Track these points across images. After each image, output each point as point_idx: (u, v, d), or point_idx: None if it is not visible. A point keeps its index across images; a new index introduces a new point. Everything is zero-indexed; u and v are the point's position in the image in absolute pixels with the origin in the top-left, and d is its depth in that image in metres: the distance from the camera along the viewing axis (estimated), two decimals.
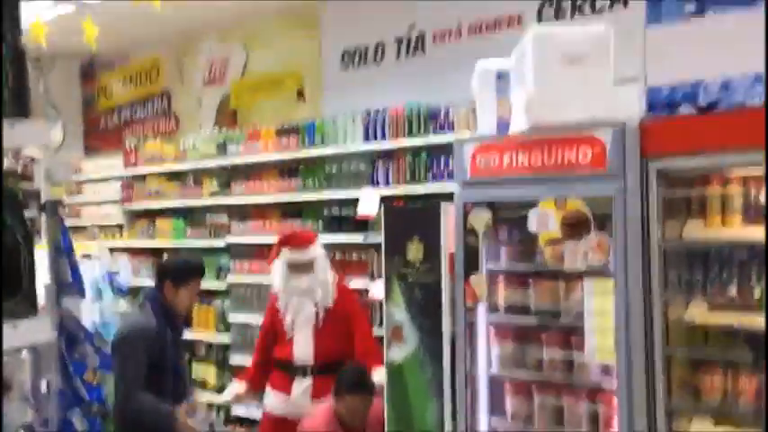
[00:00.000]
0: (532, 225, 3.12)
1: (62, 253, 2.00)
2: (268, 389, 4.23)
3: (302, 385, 4.11)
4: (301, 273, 4.09)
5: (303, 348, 4.10)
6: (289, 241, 4.16)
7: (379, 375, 3.75)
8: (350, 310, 4.18)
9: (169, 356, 3.43)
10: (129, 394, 3.15)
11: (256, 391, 4.28)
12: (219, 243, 5.74)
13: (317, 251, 4.16)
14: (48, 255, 1.96)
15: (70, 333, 2.04)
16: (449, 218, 3.42)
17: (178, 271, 3.54)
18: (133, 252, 6.51)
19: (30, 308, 1.61)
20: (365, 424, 3.72)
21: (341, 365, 3.98)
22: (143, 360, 3.27)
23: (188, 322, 4.01)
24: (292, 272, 4.12)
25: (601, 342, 2.96)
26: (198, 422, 3.47)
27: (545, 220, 3.07)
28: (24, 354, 1.73)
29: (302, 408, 4.05)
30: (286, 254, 4.15)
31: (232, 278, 5.60)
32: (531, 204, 3.12)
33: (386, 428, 3.61)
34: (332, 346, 4.08)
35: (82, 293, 2.10)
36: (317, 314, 4.08)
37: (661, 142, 2.84)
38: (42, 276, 1.88)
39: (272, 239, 5.24)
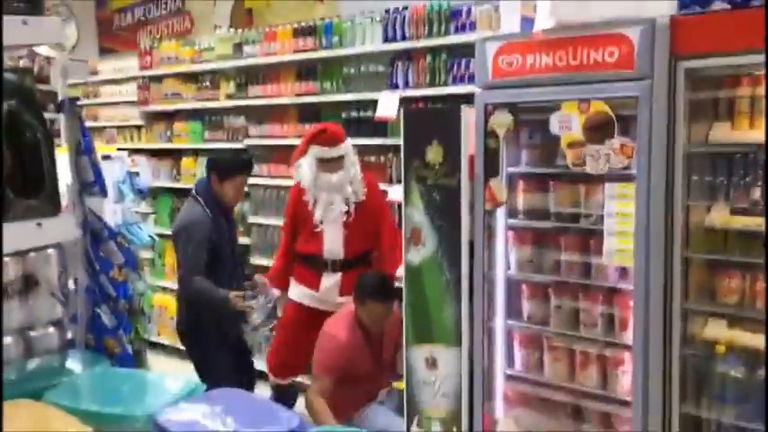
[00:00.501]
0: (555, 127, 3.08)
1: (83, 152, 1.99)
2: (293, 283, 4.30)
3: (330, 280, 4.18)
4: (331, 168, 4.09)
5: (333, 243, 4.15)
6: (319, 137, 4.14)
7: (400, 273, 3.81)
8: (377, 205, 4.21)
9: (225, 243, 3.78)
10: (189, 278, 3.54)
11: (285, 289, 4.35)
12: (238, 145, 5.73)
13: (347, 147, 4.15)
14: (68, 155, 1.95)
15: (94, 231, 2.06)
16: (469, 120, 3.38)
17: (223, 165, 3.84)
18: (152, 154, 6.54)
19: (53, 206, 1.63)
20: (380, 328, 3.81)
21: (367, 260, 4.07)
22: (202, 246, 3.66)
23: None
24: (322, 168, 4.11)
25: (620, 245, 2.97)
26: (257, 306, 3.66)
27: (567, 123, 3.03)
28: (51, 251, 1.75)
29: (329, 302, 4.15)
30: (315, 150, 4.14)
31: (251, 180, 5.61)
32: (554, 107, 3.07)
33: (404, 330, 3.69)
34: (361, 241, 4.15)
35: (104, 193, 2.12)
36: (347, 210, 4.10)
37: (692, 41, 2.73)
38: (64, 176, 1.89)
39: (291, 142, 5.27)
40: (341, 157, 4.10)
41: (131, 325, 2.24)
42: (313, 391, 3.70)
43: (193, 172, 6.13)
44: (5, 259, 1.64)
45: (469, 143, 3.40)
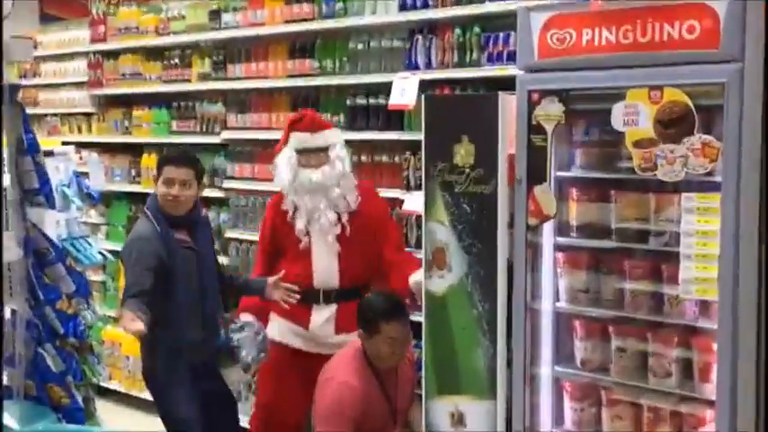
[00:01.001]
0: (618, 122, 3.09)
1: (25, 152, 2.01)
2: (274, 318, 4.25)
3: (323, 314, 4.15)
4: (313, 163, 4.11)
5: (325, 265, 4.12)
6: (299, 122, 4.20)
7: (417, 276, 3.85)
8: (377, 215, 4.21)
9: (180, 264, 3.82)
10: (122, 302, 3.64)
11: (263, 324, 4.32)
12: (213, 140, 5.77)
13: (333, 136, 4.18)
14: (7, 155, 1.97)
15: (38, 252, 2.08)
16: (508, 111, 3.40)
17: (161, 161, 3.97)
18: (105, 149, 6.59)
19: None
20: (401, 361, 3.81)
21: (367, 288, 4.05)
22: (142, 265, 3.69)
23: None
24: (303, 162, 4.13)
25: (700, 272, 2.97)
26: (244, 340, 3.91)
27: (634, 116, 3.04)
28: None
29: (323, 342, 4.14)
30: (294, 138, 4.16)
31: (230, 184, 5.67)
32: (617, 95, 3.08)
33: (423, 375, 3.70)
34: (361, 263, 4.13)
35: (51, 203, 2.13)
36: (339, 220, 4.09)
37: None
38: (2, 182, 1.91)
39: (280, 135, 5.30)
40: (325, 149, 4.13)
41: (81, 369, 2.25)
42: None
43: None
44: None
45: (508, 140, 3.41)
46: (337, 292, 4.13)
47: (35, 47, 7.27)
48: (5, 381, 1.94)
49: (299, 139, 4.16)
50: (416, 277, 3.87)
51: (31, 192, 2.02)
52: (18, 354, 2.00)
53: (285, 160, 4.17)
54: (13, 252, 1.75)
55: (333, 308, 4.14)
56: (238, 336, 3.92)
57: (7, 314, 1.93)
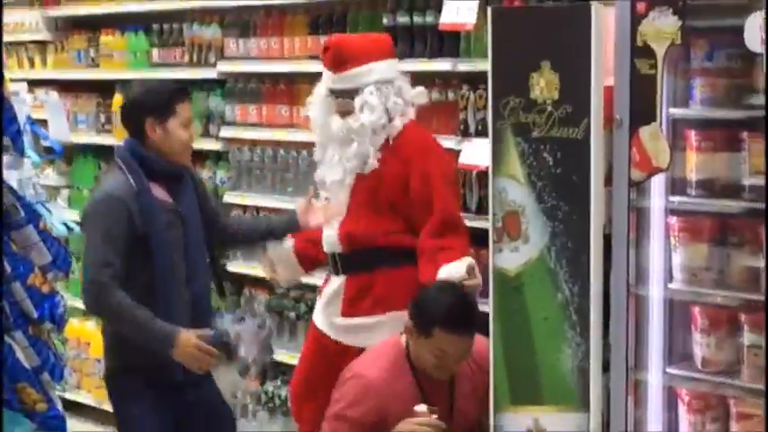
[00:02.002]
0: (754, 40, 3.08)
1: None
2: None
3: (333, 286, 4.32)
4: (339, 110, 4.19)
5: (330, 227, 4.28)
6: (324, 53, 4.25)
7: (452, 270, 3.87)
8: (418, 153, 4.18)
9: (166, 229, 3.85)
10: (98, 291, 3.59)
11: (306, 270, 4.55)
12: (208, 73, 5.79)
13: (367, 75, 4.18)
14: None
15: (3, 210, 2.10)
16: (605, 29, 3.39)
17: (159, 96, 3.97)
18: (66, 88, 6.63)
19: None
20: (446, 376, 3.82)
21: (392, 259, 4.14)
22: (113, 236, 3.69)
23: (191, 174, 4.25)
24: (335, 105, 4.22)
25: None
26: (245, 333, 3.87)
27: None
28: None
29: (331, 320, 4.27)
30: (325, 75, 4.26)
31: (229, 132, 5.68)
32: (752, 4, 3.06)
33: (491, 380, 3.71)
34: (364, 227, 4.20)
35: (18, 147, 2.15)
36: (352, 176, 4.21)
37: None
38: None
39: (296, 67, 5.31)
40: (352, 93, 4.16)
41: (61, 365, 2.28)
42: None
43: None
44: None
45: (605, 68, 3.40)
46: (340, 258, 4.28)
47: None
48: None
49: (326, 76, 4.25)
50: (448, 271, 3.88)
51: None
52: None
53: (318, 98, 4.30)
54: None
55: (341, 279, 4.27)
56: (237, 328, 3.91)
57: None
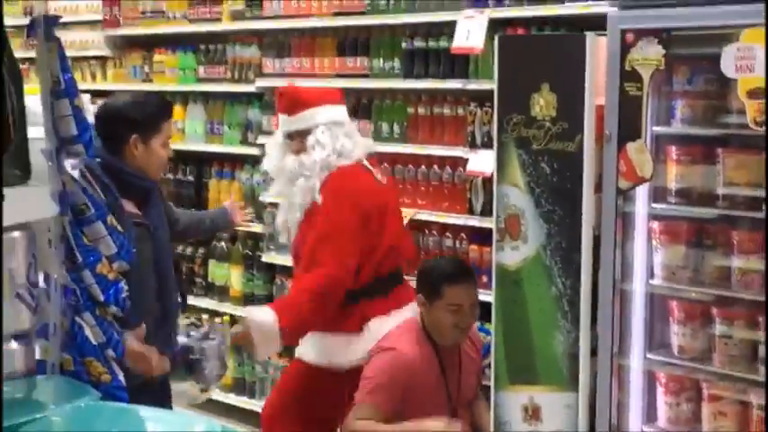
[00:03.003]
0: (729, 68, 3.08)
1: (62, 95, 2.04)
2: None
3: None
4: (294, 149, 4.10)
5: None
6: (279, 101, 4.22)
7: (258, 316, 3.79)
8: (323, 198, 4.00)
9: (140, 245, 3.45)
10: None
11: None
12: (247, 88, 5.81)
13: (316, 117, 4.13)
14: (42, 97, 2.01)
15: (76, 208, 2.12)
16: (597, 55, 3.39)
17: (145, 114, 3.59)
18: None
19: (20, 170, 1.68)
20: (464, 336, 3.81)
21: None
22: None
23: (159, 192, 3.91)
24: (290, 146, 4.13)
25: None
26: (209, 350, 3.67)
27: (749, 60, 3.01)
28: (16, 235, 1.81)
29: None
30: (280, 119, 4.22)
31: (265, 140, 5.68)
32: (729, 35, 3.06)
33: (492, 363, 3.72)
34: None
35: (89, 153, 2.18)
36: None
37: None
38: (36, 129, 1.95)
39: (325, 83, 5.32)
40: (305, 132, 4.06)
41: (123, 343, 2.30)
42: (349, 426, 3.74)
43: (181, 126, 6.24)
44: None
45: (596, 90, 3.40)
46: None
47: None
48: (38, 354, 1.99)
49: (281, 120, 4.20)
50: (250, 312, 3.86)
51: (69, 139, 2.05)
52: (53, 324, 2.04)
53: (274, 146, 4.23)
54: (48, 208, 1.78)
55: None
56: (203, 344, 3.69)
57: (41, 280, 1.98)
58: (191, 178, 6.16)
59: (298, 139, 4.07)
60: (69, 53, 7.10)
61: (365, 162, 4.08)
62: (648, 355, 3.48)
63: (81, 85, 6.85)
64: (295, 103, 4.12)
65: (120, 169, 3.48)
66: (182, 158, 6.15)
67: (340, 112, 4.18)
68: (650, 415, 3.50)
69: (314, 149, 4.00)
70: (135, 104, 3.65)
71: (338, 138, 4.04)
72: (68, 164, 2.12)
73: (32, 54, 2.35)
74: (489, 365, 3.89)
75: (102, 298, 2.21)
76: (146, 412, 1.99)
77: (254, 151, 5.79)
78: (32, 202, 1.74)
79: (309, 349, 4.01)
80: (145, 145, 3.56)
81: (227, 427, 1.86)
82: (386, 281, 4.02)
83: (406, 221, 4.79)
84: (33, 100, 1.99)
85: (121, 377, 2.23)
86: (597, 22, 3.49)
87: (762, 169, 3.18)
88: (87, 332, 2.15)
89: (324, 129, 4.05)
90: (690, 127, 3.38)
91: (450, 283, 3.68)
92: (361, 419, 3.62)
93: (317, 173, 3.96)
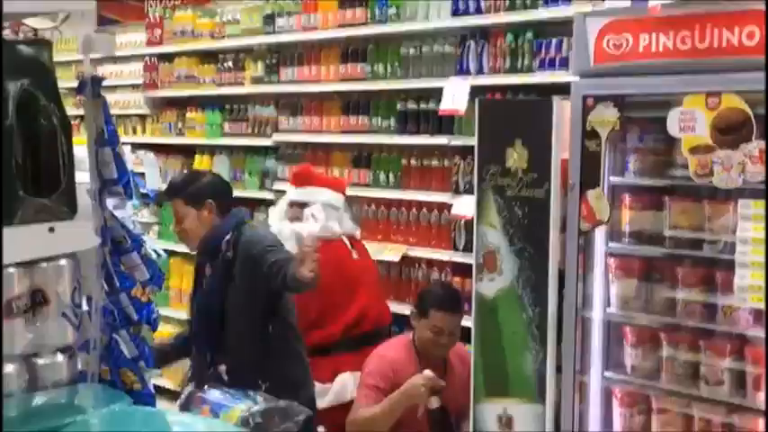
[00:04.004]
0: (674, 128, 3.08)
1: (106, 143, 2.08)
2: None
3: None
4: (291, 216, 4.20)
5: None
6: (293, 174, 4.37)
7: None
8: None
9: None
10: None
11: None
12: (265, 142, 5.84)
13: (318, 195, 4.19)
14: (88, 146, 2.05)
15: (115, 240, 2.14)
16: (563, 117, 3.39)
17: (222, 187, 3.68)
18: (159, 150, 6.69)
19: (69, 208, 1.70)
20: (447, 353, 3.84)
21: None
22: None
23: None
24: (289, 212, 4.22)
25: (755, 280, 2.93)
26: None
27: (691, 122, 3.02)
28: (63, 262, 1.83)
29: None
30: (289, 189, 4.35)
31: (281, 186, 5.72)
32: (674, 101, 3.07)
33: (472, 378, 3.70)
34: None
35: (129, 194, 2.20)
36: None
37: None
38: (82, 174, 1.99)
39: (331, 139, 5.36)
40: (305, 204, 4.17)
41: (152, 356, 2.31)
42: (351, 415, 3.76)
43: None
44: (10, 270, 1.72)
45: (562, 145, 3.40)
46: None
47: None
48: (80, 366, 2.01)
49: (289, 190, 4.32)
50: None
51: (110, 182, 2.08)
52: (93, 339, 2.06)
53: (279, 209, 4.31)
54: (90, 239, 1.80)
55: None
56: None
57: (84, 302, 2.01)
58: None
59: (297, 208, 4.15)
60: (113, 111, 7.16)
61: (345, 240, 4.17)
62: (606, 373, 3.44)
63: (123, 138, 6.91)
64: (305, 178, 4.27)
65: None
66: None
67: (338, 198, 4.28)
68: (607, 424, 3.45)
69: (307, 221, 4.11)
70: (213, 180, 3.69)
71: (330, 218, 4.15)
72: (109, 203, 2.14)
73: (81, 111, 2.39)
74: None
75: (135, 317, 2.22)
76: (173, 416, 2.00)
77: (271, 196, 5.81)
78: (78, 235, 1.75)
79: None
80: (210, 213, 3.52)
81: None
82: (356, 340, 4.10)
83: (398, 258, 4.83)
84: (81, 149, 2.02)
85: (151, 386, 2.24)
86: (563, 89, 3.52)
87: (702, 215, 3.20)
88: (123, 347, 2.17)
89: (320, 207, 4.15)
90: (641, 178, 3.37)
91: (437, 308, 3.76)
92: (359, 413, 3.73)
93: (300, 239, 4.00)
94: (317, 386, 3.90)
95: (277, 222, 4.23)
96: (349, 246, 4.19)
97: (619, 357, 3.46)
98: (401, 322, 4.47)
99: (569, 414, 3.40)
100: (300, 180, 4.24)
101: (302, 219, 4.14)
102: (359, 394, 3.82)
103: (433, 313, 3.78)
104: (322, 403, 3.95)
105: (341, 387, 4.04)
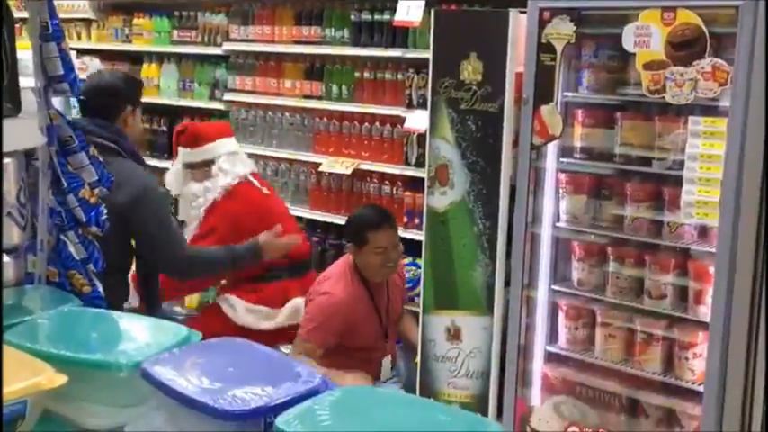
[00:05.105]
0: (629, 43, 3.09)
1: (50, 38, 2.01)
2: None
3: None
4: (198, 178, 4.15)
5: None
6: (179, 137, 4.22)
7: None
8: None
9: None
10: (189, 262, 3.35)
11: None
12: (215, 51, 5.73)
13: (218, 149, 4.16)
14: (32, 42, 1.98)
15: (61, 139, 2.09)
16: (518, 29, 3.39)
17: (136, 88, 3.53)
18: (105, 57, 6.53)
19: (12, 105, 1.66)
20: (393, 272, 3.85)
21: None
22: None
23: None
24: (192, 176, 4.17)
25: (702, 196, 3.00)
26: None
27: (646, 37, 3.03)
28: (8, 161, 1.79)
29: None
30: (180, 152, 4.24)
31: (230, 97, 5.65)
32: (630, 15, 3.07)
33: (421, 293, 3.75)
34: None
35: (74, 91, 2.14)
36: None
37: None
38: (28, 79, 1.93)
39: (283, 49, 5.27)
40: (208, 162, 4.13)
41: (101, 257, 2.29)
42: (294, 353, 3.73)
43: (156, 82, 6.14)
44: None
45: (517, 59, 3.40)
46: None
47: None
48: (28, 267, 1.98)
49: (182, 153, 4.20)
50: None
51: (55, 79, 2.01)
52: (41, 240, 2.03)
53: (174, 170, 4.26)
54: (36, 138, 1.76)
55: None
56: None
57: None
58: (164, 128, 6.10)
59: (202, 169, 4.10)
60: (59, 15, 6.94)
61: (250, 178, 4.17)
62: (553, 287, 3.51)
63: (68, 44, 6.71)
64: (196, 138, 4.16)
65: (122, 135, 3.34)
66: (157, 111, 6.07)
67: (233, 143, 4.26)
68: (552, 337, 3.54)
69: (218, 176, 4.08)
70: (127, 81, 3.54)
71: (236, 164, 4.13)
72: (55, 100, 2.10)
73: (25, 14, 2.31)
74: (419, 294, 3.93)
75: (84, 219, 2.19)
76: (120, 316, 2.00)
77: (220, 107, 5.74)
78: (22, 133, 1.72)
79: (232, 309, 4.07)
80: (135, 117, 3.48)
81: (192, 331, 1.87)
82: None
83: (350, 171, 4.82)
84: (25, 54, 1.96)
85: (100, 288, 2.23)
86: (519, 1, 3.49)
87: (653, 132, 3.23)
88: (71, 249, 2.14)
89: (226, 158, 4.13)
90: (594, 94, 3.38)
91: (373, 229, 3.72)
92: (301, 354, 3.64)
93: (216, 194, 4.07)
94: (266, 310, 4.01)
95: (181, 187, 4.19)
96: (256, 183, 4.18)
97: (566, 272, 3.53)
98: None
99: (516, 326, 3.47)
100: (192, 141, 4.15)
101: (212, 175, 4.10)
102: (305, 335, 3.72)
103: (371, 236, 3.72)
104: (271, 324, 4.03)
105: (293, 311, 4.05)
